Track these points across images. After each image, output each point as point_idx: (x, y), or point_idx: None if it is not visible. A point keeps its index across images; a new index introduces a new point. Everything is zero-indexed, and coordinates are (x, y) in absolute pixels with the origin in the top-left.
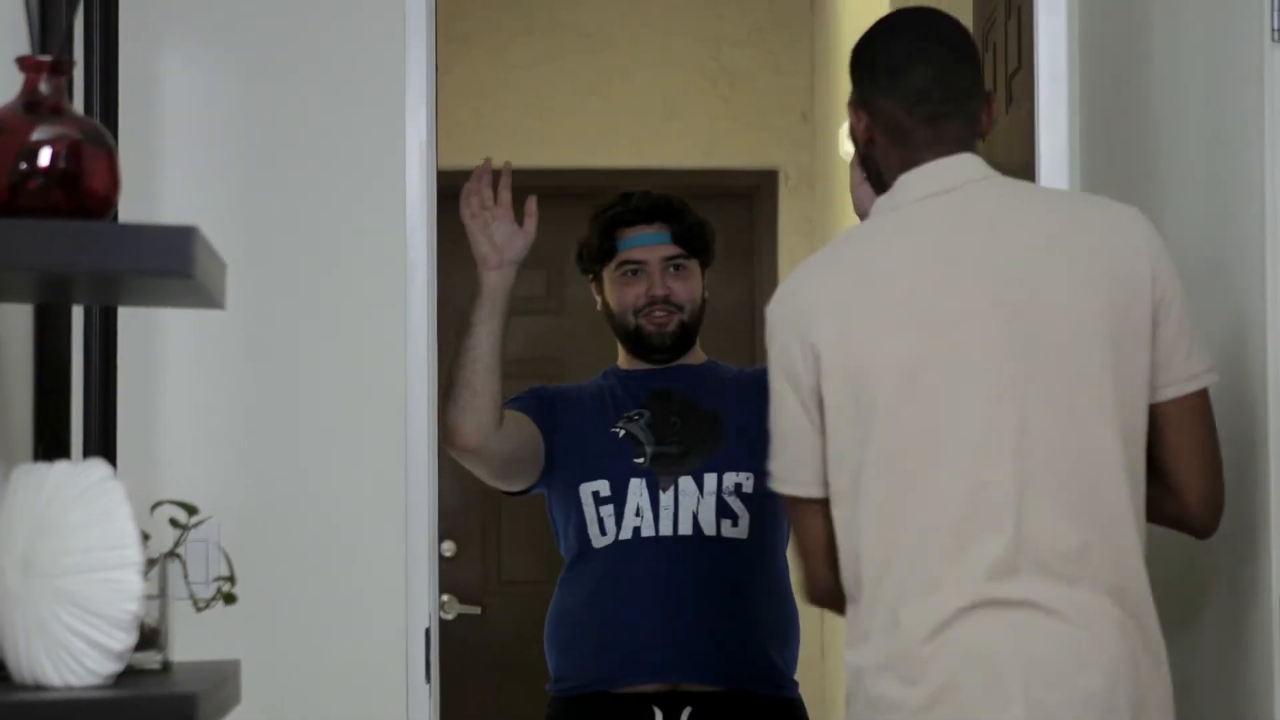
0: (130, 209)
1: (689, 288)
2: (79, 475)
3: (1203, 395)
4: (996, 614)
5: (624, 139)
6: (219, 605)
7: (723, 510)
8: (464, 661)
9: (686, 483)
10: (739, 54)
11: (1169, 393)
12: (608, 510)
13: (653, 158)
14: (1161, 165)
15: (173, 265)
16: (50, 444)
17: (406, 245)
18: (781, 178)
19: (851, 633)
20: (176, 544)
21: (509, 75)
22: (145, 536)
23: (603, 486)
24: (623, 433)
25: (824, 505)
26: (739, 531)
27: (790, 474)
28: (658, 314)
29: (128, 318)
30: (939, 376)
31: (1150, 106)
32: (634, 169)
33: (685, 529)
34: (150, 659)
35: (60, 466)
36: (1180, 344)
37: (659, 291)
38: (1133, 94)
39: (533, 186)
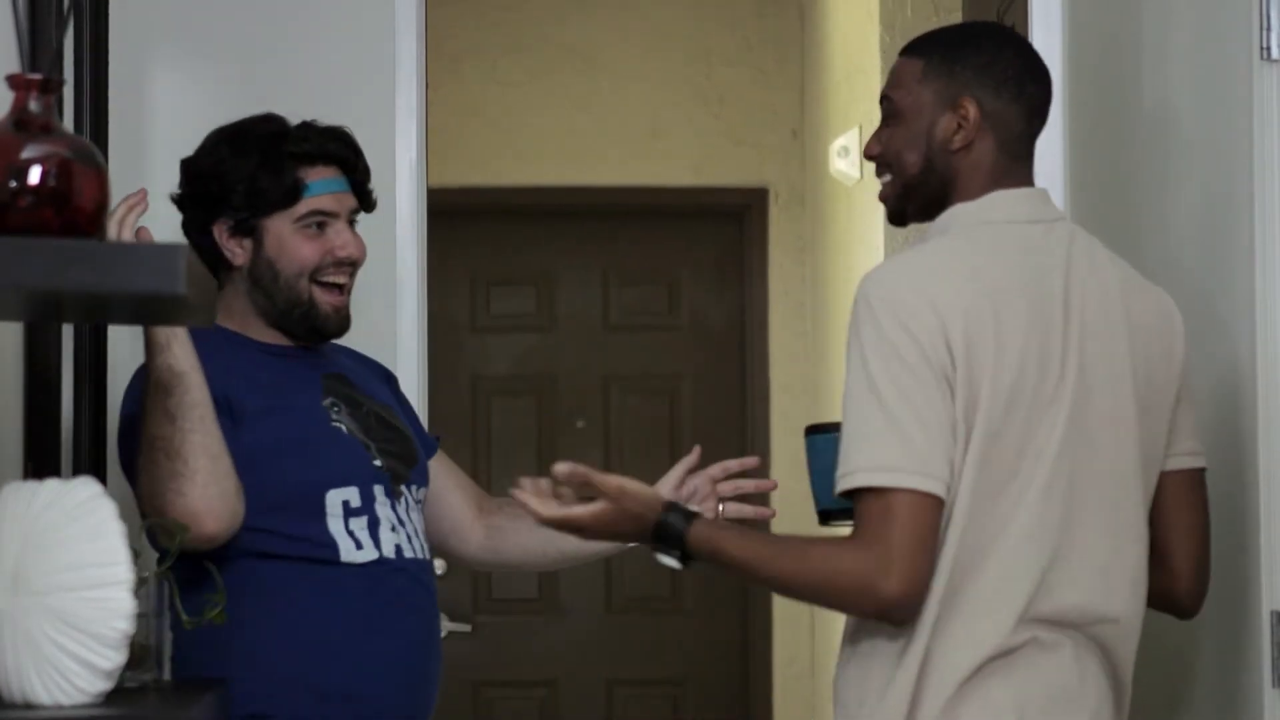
0: None
1: (365, 250)
2: (69, 493)
3: (1202, 475)
4: (1004, 660)
5: (613, 156)
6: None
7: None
8: (454, 679)
9: (407, 494)
10: (729, 71)
11: (1172, 464)
12: (359, 523)
13: (642, 175)
14: (1152, 182)
15: (162, 284)
16: (40, 461)
17: (397, 262)
18: (772, 196)
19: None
20: (168, 562)
21: (498, 93)
22: (136, 554)
23: (353, 495)
24: (345, 428)
25: (942, 508)
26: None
27: (927, 467)
28: (338, 297)
29: (118, 335)
30: (1026, 414)
31: (1141, 124)
32: (623, 186)
33: (422, 553)
34: (140, 677)
35: (50, 484)
36: (1186, 421)
37: (353, 253)
38: (1123, 111)
39: (521, 204)
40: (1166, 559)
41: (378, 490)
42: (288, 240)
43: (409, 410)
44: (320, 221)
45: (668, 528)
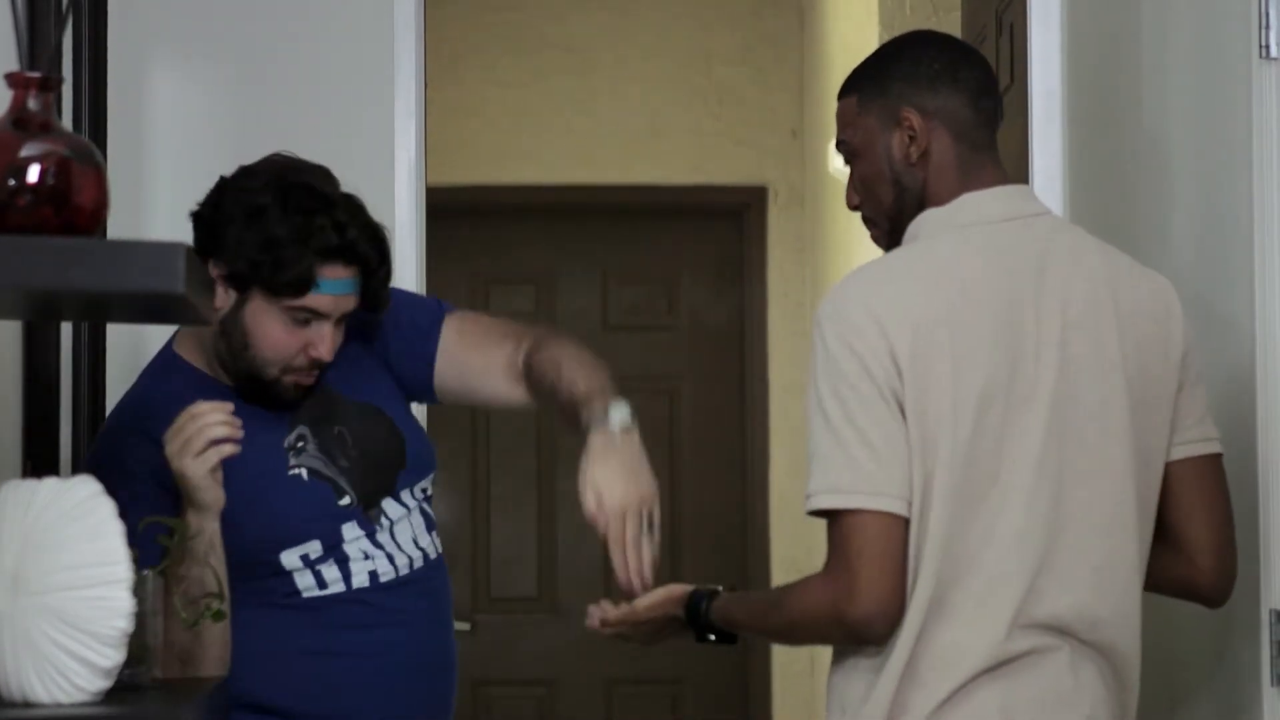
0: (119, 225)
1: (336, 351)
2: (68, 492)
3: (1217, 460)
4: (999, 669)
5: (613, 155)
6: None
7: (429, 522)
8: None
9: (390, 506)
10: (728, 71)
11: (1181, 451)
12: (325, 564)
13: (641, 174)
14: (1151, 182)
15: (161, 282)
16: (39, 460)
17: (396, 262)
18: (771, 195)
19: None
20: (166, 561)
21: (497, 93)
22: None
23: (313, 548)
24: (306, 472)
25: (905, 524)
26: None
27: (876, 486)
28: (303, 380)
29: (116, 334)
30: (1001, 416)
31: (1140, 123)
32: (622, 186)
33: (418, 561)
34: (139, 676)
35: (49, 483)
36: (1194, 407)
37: (324, 356)
38: (1122, 111)
39: (520, 204)
40: (1184, 548)
41: (346, 529)
42: (268, 321)
43: (404, 336)
44: (307, 318)
45: (695, 609)
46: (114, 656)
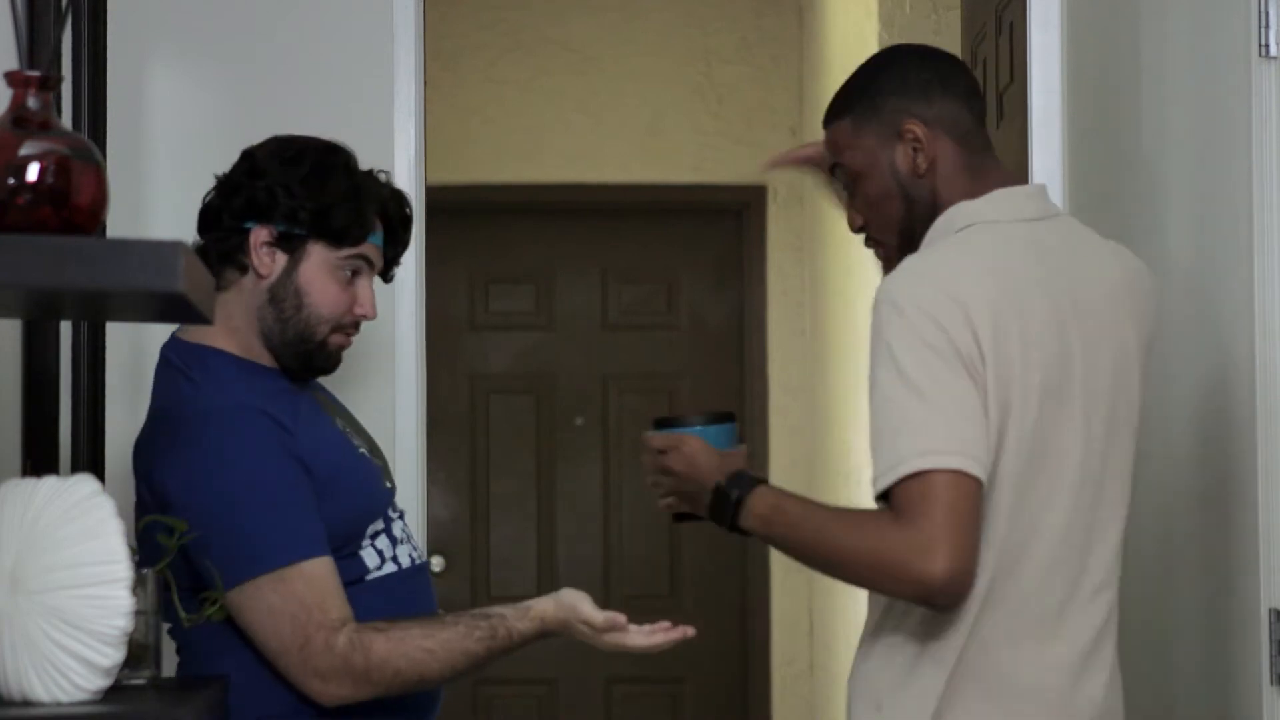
0: (118, 224)
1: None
2: (67, 490)
3: None
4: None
5: (612, 155)
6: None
7: None
8: None
9: (396, 503)
10: (727, 70)
11: None
12: (383, 541)
13: (641, 173)
14: (1150, 180)
15: (160, 282)
16: (38, 459)
17: None
18: (770, 194)
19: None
20: (165, 560)
21: (497, 92)
22: (133, 551)
23: (378, 524)
24: (365, 453)
25: (980, 488)
26: None
27: (969, 449)
28: (345, 341)
29: (116, 332)
30: (1054, 410)
31: (1140, 123)
32: (622, 184)
33: (424, 554)
34: (139, 675)
35: (48, 481)
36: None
37: (368, 314)
38: (1122, 110)
39: (520, 203)
40: None
41: (390, 510)
42: (322, 277)
43: None
44: (356, 269)
45: (739, 477)
46: (114, 656)
